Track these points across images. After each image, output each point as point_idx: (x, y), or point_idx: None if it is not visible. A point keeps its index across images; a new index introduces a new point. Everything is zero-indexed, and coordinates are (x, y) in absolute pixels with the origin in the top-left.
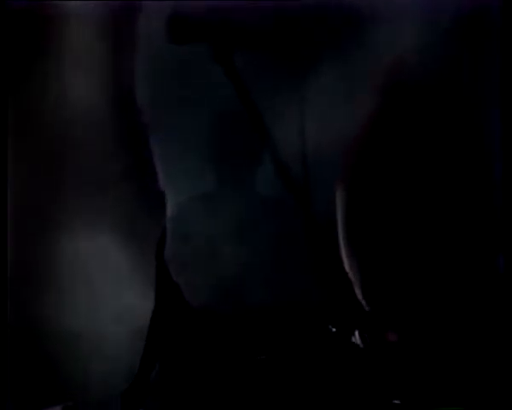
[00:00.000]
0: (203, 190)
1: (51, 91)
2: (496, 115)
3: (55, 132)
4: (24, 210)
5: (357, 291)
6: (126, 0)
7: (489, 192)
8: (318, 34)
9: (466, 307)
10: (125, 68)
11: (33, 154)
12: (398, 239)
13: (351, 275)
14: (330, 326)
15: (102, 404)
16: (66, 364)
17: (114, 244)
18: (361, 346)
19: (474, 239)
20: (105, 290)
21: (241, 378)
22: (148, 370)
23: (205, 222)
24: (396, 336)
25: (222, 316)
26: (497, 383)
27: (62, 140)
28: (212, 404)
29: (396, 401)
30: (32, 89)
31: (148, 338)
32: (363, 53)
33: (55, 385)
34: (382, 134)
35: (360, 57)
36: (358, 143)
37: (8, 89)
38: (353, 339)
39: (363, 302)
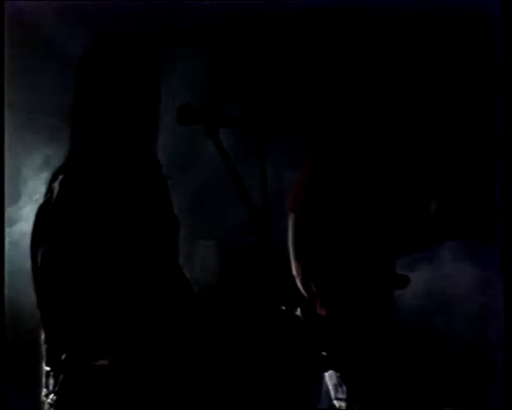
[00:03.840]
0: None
1: None
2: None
3: None
4: None
5: (299, 283)
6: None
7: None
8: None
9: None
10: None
11: None
12: (327, 251)
13: (295, 274)
14: (281, 306)
15: None
16: None
17: None
18: (301, 318)
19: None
20: None
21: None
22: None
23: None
24: (324, 310)
25: None
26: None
27: None
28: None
29: (324, 353)
30: None
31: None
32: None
33: None
34: (317, 178)
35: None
36: (300, 185)
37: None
38: (296, 313)
39: (303, 290)
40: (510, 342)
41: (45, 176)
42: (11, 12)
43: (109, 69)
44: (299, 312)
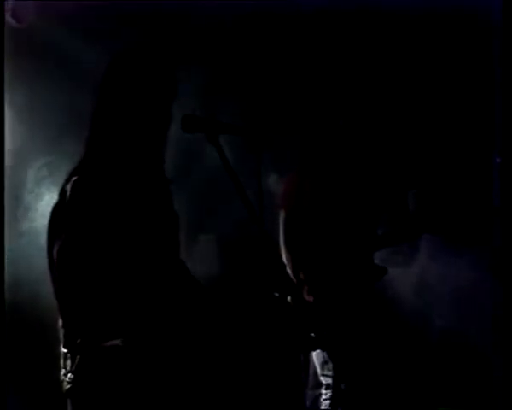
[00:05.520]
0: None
1: None
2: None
3: None
4: None
5: (289, 271)
6: None
7: None
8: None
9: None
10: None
11: None
12: (314, 244)
13: (285, 263)
14: (275, 293)
15: None
16: None
17: None
18: (292, 303)
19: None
20: None
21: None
22: None
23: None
24: (312, 297)
25: None
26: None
27: None
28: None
29: (312, 334)
30: None
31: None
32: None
33: None
34: (305, 179)
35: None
36: (290, 185)
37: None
38: (288, 299)
39: (292, 277)
40: (510, 340)
41: (46, 180)
42: (11, 12)
43: (128, 85)
44: (290, 298)
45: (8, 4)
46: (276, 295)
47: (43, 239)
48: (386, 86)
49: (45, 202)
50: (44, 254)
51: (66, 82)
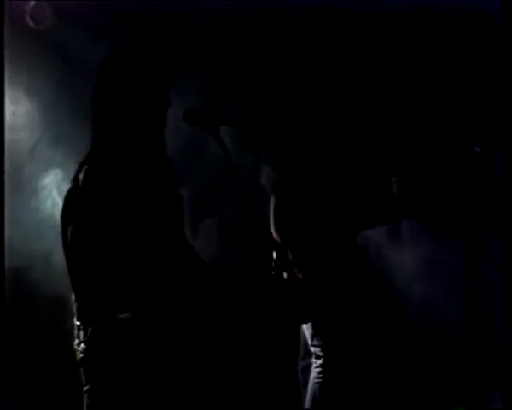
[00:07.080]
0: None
1: None
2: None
3: None
4: None
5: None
6: None
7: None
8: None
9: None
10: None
11: None
12: (302, 226)
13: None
14: (271, 271)
15: None
16: None
17: None
18: (286, 281)
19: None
20: None
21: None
22: None
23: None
24: (301, 275)
25: None
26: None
27: None
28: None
29: (304, 309)
30: None
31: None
32: None
33: None
34: (293, 169)
35: None
36: (279, 175)
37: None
38: (283, 275)
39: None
40: (509, 337)
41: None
42: (11, 12)
43: (126, 79)
44: (284, 276)
45: (28, 6)
46: (273, 273)
47: (43, 229)
48: (385, 84)
49: (45, 194)
50: (46, 243)
51: (67, 79)
